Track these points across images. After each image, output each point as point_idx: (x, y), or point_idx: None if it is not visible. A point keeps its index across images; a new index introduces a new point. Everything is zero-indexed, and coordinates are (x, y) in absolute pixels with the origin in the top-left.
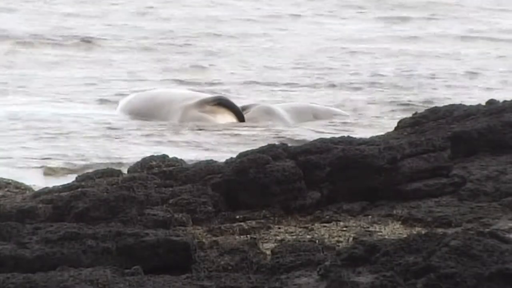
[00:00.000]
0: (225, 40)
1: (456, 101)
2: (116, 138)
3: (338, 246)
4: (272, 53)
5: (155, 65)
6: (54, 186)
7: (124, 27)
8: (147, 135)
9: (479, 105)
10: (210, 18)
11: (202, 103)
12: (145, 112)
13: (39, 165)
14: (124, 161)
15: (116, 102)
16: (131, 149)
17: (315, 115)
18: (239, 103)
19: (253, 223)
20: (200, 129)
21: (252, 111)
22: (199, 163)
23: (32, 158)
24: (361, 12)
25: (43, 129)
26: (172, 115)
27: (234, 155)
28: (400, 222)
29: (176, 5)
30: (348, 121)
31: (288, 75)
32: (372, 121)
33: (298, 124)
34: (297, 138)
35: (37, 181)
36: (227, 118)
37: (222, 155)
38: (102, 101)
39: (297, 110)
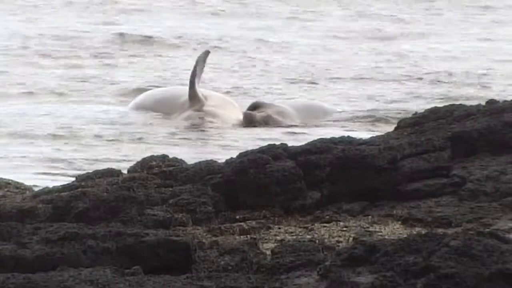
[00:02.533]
0: None
1: None
2: (126, 137)
3: (338, 246)
4: None
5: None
6: (54, 186)
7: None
8: (152, 135)
9: (479, 105)
10: None
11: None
12: (154, 110)
13: (43, 164)
14: (131, 158)
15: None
16: (139, 148)
17: (325, 113)
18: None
19: (253, 223)
20: (203, 129)
21: (262, 112)
22: (199, 163)
23: (35, 157)
24: None
25: (50, 126)
26: (178, 113)
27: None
28: (400, 222)
29: None
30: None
31: None
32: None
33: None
34: None
35: (37, 181)
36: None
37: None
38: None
39: (308, 108)
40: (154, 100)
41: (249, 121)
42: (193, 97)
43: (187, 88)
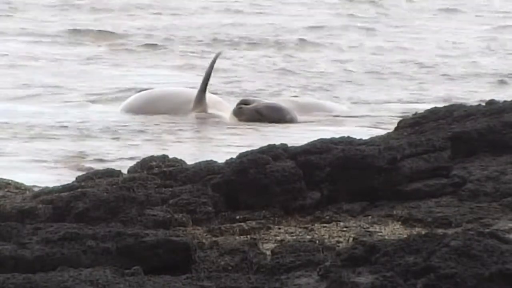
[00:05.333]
0: None
1: None
2: (119, 137)
3: (338, 246)
4: None
5: None
6: (54, 187)
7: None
8: (149, 136)
9: (479, 105)
10: None
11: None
12: (147, 111)
13: (40, 164)
14: (127, 159)
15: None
16: (133, 148)
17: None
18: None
19: (253, 223)
20: (206, 130)
21: (258, 107)
22: (199, 163)
23: (33, 156)
24: None
25: (45, 126)
26: (180, 115)
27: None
28: (400, 223)
29: None
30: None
31: None
32: None
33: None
34: None
35: (37, 181)
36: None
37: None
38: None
39: (300, 107)
40: (147, 101)
41: (239, 116)
42: (200, 99)
43: (179, 89)
